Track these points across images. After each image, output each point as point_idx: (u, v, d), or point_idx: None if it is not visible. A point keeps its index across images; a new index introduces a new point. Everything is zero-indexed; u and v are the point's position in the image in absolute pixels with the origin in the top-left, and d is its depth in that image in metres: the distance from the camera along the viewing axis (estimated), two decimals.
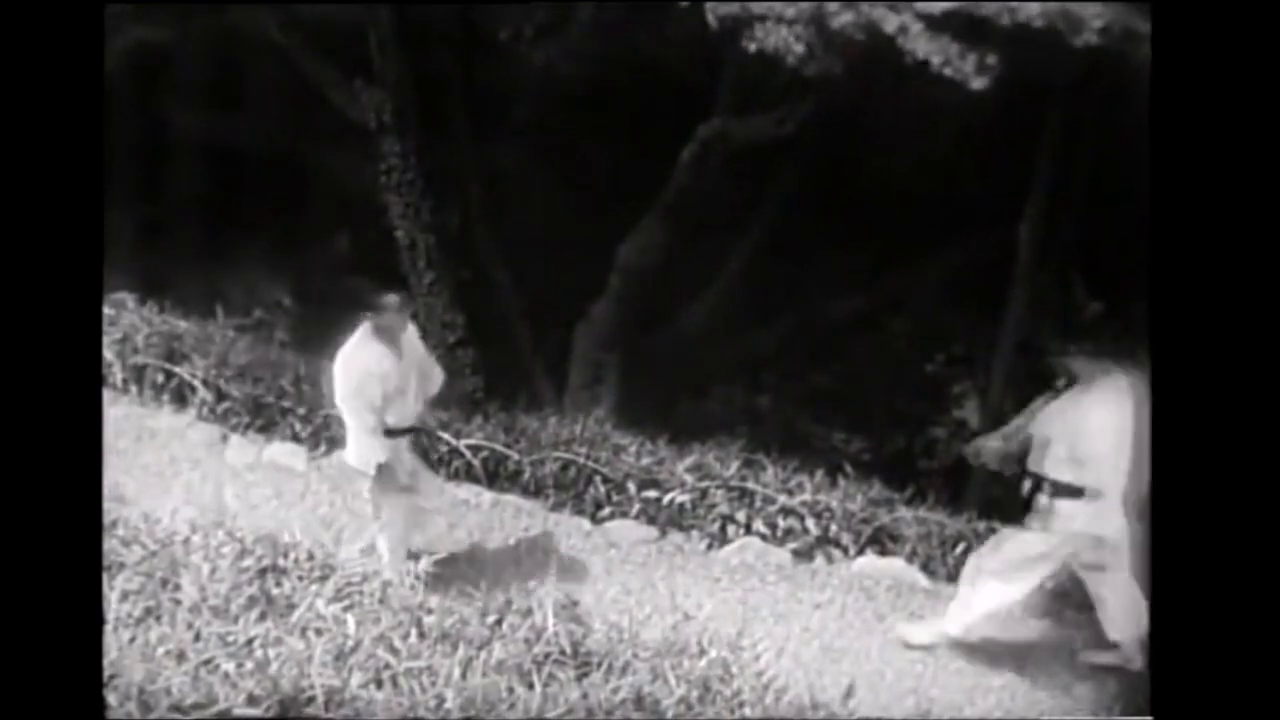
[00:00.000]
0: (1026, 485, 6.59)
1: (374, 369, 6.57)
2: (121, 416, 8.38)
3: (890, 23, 6.33)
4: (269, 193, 11.59)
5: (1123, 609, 6.58)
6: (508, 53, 10.24)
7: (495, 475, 8.13)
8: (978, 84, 6.26)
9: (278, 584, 6.16)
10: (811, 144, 10.28)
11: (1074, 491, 6.37)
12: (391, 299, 6.69)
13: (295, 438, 8.39)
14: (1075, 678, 6.70)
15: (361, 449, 6.68)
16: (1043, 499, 6.50)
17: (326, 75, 10.27)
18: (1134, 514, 6.29)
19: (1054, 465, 6.42)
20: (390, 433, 6.68)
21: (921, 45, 6.29)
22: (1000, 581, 6.65)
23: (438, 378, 7.05)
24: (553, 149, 11.48)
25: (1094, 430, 6.31)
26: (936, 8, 6.28)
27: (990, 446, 6.85)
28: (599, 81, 10.46)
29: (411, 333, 6.88)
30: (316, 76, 10.32)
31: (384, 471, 6.68)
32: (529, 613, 6.15)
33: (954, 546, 7.48)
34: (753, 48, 6.61)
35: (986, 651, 6.82)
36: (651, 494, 7.86)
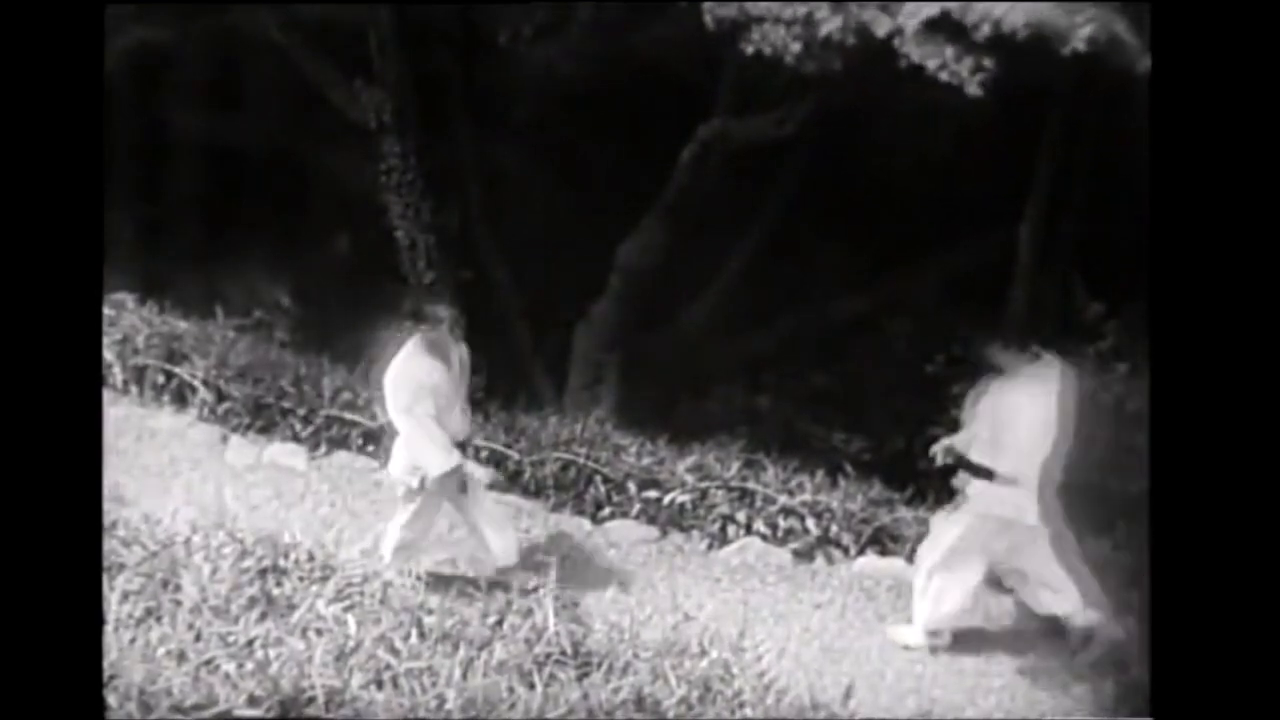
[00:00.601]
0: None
1: (425, 382, 6.54)
2: (122, 417, 8.37)
3: (882, 25, 6.32)
4: (269, 193, 11.59)
5: (1052, 582, 6.68)
6: (508, 53, 10.23)
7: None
8: (972, 89, 6.25)
9: (278, 584, 6.17)
10: (811, 144, 10.28)
11: (985, 473, 6.51)
12: (444, 312, 6.66)
13: (295, 438, 8.39)
14: (1074, 677, 6.70)
15: (418, 459, 6.59)
16: (960, 478, 6.67)
17: (326, 75, 10.27)
18: (1050, 494, 6.43)
19: (978, 450, 6.56)
20: None
21: (916, 50, 6.28)
22: (941, 572, 6.76)
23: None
24: (553, 149, 11.48)
25: (1013, 417, 6.44)
26: (924, 13, 6.27)
27: (944, 444, 6.95)
28: (599, 81, 10.46)
29: (462, 347, 6.84)
30: (316, 76, 10.32)
31: (454, 477, 6.60)
32: (530, 613, 6.15)
33: None
34: (749, 49, 6.60)
35: (984, 645, 6.84)
36: (652, 494, 7.85)
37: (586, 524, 7.79)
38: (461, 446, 6.79)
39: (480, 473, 6.85)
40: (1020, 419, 6.43)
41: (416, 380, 6.55)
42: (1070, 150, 10.14)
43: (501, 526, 6.99)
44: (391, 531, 6.92)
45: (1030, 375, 6.49)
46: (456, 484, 6.69)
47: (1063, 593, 6.69)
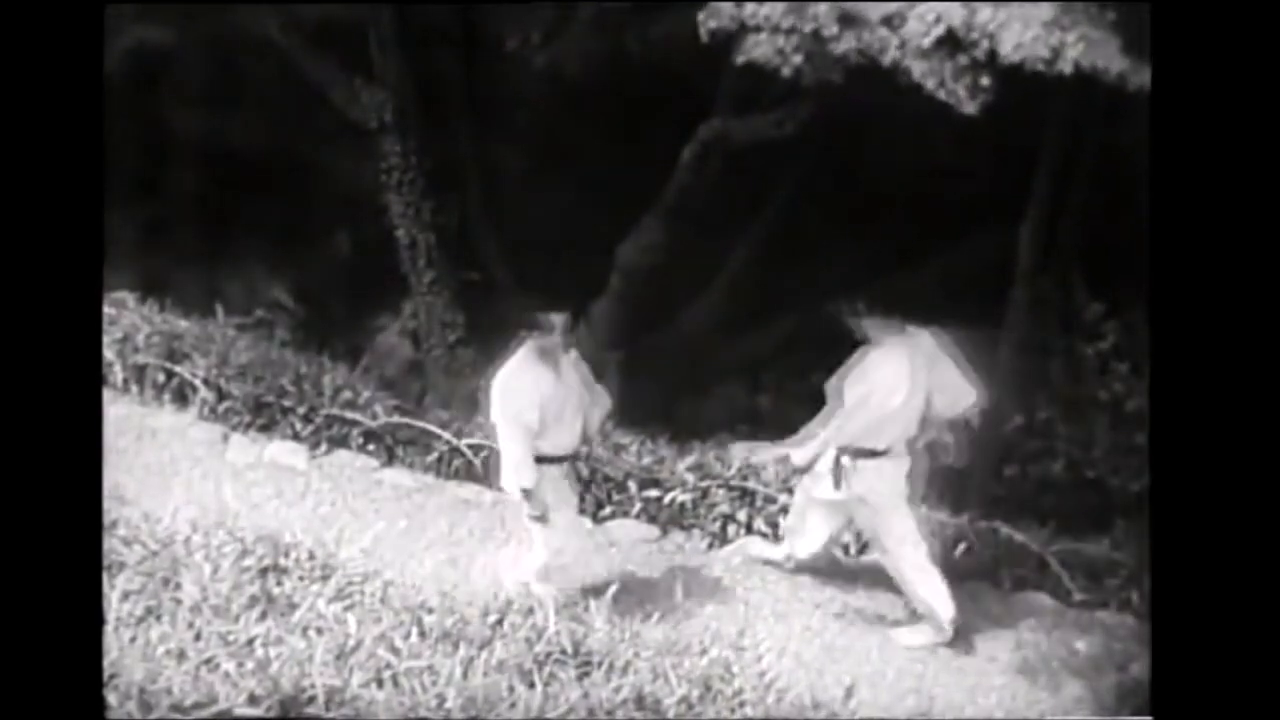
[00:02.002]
0: None
1: (533, 391, 6.44)
2: (122, 416, 8.37)
3: (890, 48, 6.28)
4: (269, 193, 11.58)
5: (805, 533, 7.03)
6: (509, 53, 10.24)
7: (496, 474, 8.12)
8: (970, 108, 6.24)
9: (279, 583, 6.18)
10: (812, 144, 10.27)
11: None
12: (555, 319, 6.52)
13: (296, 437, 8.39)
14: (1072, 675, 6.71)
15: (510, 472, 6.53)
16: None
17: (326, 75, 10.27)
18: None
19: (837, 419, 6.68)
20: (544, 459, 6.51)
21: (915, 65, 6.27)
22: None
23: (604, 403, 6.90)
24: (553, 149, 11.48)
25: (852, 384, 6.55)
26: (934, 33, 6.24)
27: None
28: (600, 81, 10.45)
29: (574, 356, 6.76)
30: (316, 76, 10.32)
31: (529, 497, 6.50)
32: (530, 612, 6.16)
33: (954, 546, 7.47)
34: (742, 59, 6.57)
35: (984, 645, 6.84)
36: (653, 493, 7.86)
37: (588, 523, 7.79)
38: (571, 458, 6.76)
39: (555, 501, 6.63)
40: (861, 387, 6.51)
41: (523, 390, 6.44)
42: (1071, 150, 10.12)
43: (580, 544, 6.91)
44: (529, 558, 6.78)
45: (888, 345, 6.55)
46: (553, 504, 6.60)
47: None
